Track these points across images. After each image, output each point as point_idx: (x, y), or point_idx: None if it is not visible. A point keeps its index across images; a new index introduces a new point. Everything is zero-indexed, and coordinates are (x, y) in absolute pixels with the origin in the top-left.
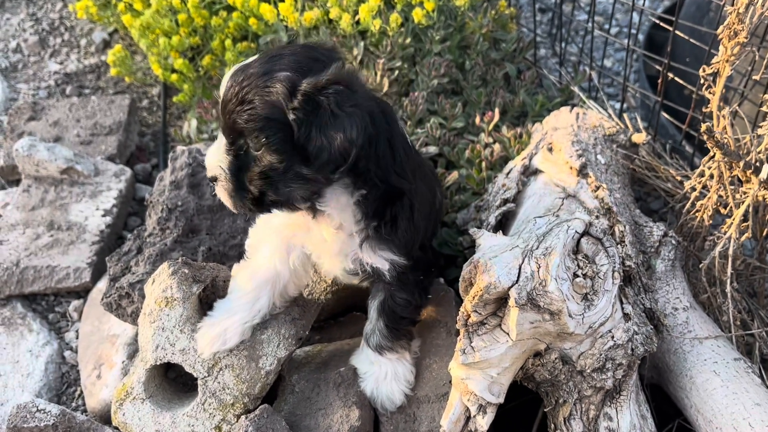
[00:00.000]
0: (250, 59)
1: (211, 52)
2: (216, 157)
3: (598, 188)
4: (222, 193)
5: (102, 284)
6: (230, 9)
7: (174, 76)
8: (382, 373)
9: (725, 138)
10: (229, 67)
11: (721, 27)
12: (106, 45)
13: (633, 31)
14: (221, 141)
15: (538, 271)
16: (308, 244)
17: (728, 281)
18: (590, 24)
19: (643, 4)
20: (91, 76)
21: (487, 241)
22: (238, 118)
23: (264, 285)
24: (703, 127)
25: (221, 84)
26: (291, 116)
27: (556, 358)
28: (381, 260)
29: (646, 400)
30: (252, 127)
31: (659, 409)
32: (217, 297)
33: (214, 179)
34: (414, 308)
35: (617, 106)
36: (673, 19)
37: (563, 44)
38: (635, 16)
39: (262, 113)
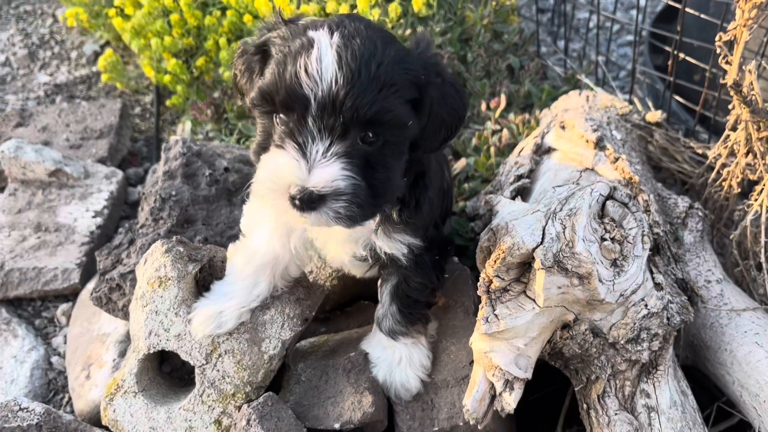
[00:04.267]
0: (319, 34)
1: (205, 54)
2: (329, 169)
3: (617, 159)
4: (341, 211)
5: (92, 285)
6: (224, 9)
7: (167, 78)
8: (396, 358)
9: (753, 94)
10: (224, 68)
11: None
12: (98, 57)
13: (635, 21)
14: (317, 146)
15: (564, 232)
16: (312, 228)
17: (762, 251)
18: (594, 19)
19: (646, 4)
20: (81, 86)
21: (505, 207)
22: (383, 104)
23: (263, 269)
24: (729, 80)
25: (295, 67)
26: (433, 93)
27: (586, 330)
28: (398, 244)
29: (684, 376)
30: (397, 114)
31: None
32: (214, 278)
33: (316, 198)
34: (430, 291)
35: (627, 98)
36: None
37: (565, 41)
38: (633, 11)
39: (409, 96)
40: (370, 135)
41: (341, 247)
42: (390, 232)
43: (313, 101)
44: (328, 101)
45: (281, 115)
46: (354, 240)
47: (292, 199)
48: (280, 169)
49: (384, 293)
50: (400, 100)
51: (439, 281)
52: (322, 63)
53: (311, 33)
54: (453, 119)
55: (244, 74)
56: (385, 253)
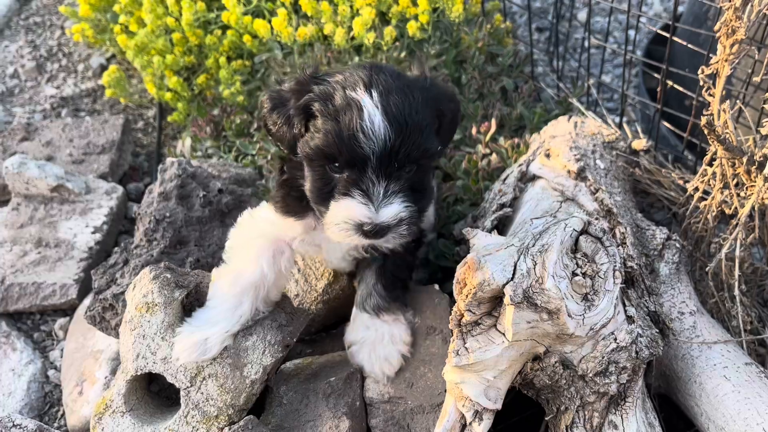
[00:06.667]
0: (360, 95)
1: (206, 71)
2: (394, 207)
3: (597, 191)
4: (404, 233)
5: (89, 302)
6: (225, 28)
7: (168, 95)
8: (379, 335)
9: (727, 133)
10: (224, 86)
11: (718, 24)
12: (104, 70)
13: (631, 42)
14: (378, 188)
15: (534, 269)
16: (317, 240)
17: (736, 284)
18: (586, 41)
19: (637, 23)
20: (87, 99)
21: (481, 240)
22: (425, 145)
23: (248, 289)
24: (703, 120)
25: (350, 131)
26: (447, 117)
27: (556, 362)
28: (399, 239)
29: (653, 407)
30: (434, 148)
31: (668, 423)
32: (201, 303)
33: (384, 229)
34: (410, 268)
35: (617, 120)
36: (671, 30)
37: (560, 62)
38: (631, 32)
39: (434, 127)
40: (411, 168)
41: (344, 252)
42: None
43: (372, 156)
44: (384, 154)
45: (344, 170)
46: (355, 246)
47: (365, 233)
48: (352, 213)
49: (368, 274)
50: (432, 135)
51: (418, 258)
52: (375, 124)
53: (352, 94)
54: (453, 129)
55: (282, 127)
56: (386, 247)
